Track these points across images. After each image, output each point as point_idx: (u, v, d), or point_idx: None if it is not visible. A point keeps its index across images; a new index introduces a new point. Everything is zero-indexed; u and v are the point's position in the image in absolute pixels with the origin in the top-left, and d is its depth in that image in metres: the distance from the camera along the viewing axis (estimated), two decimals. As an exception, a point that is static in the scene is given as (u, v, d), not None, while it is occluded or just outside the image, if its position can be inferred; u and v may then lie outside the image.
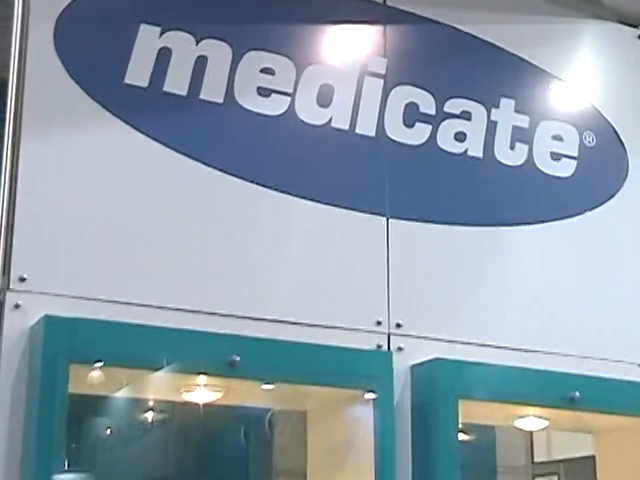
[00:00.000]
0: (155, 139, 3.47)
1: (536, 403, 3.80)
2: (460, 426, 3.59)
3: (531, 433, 7.03)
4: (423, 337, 3.73)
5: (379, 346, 3.64)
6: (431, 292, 3.84)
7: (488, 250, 4.03)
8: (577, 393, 3.69)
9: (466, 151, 4.02)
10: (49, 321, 3.04)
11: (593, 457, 4.43)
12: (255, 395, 3.62)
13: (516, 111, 4.18)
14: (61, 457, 3.03)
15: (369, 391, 3.45)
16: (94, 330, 3.10)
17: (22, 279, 3.15)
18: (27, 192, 3.22)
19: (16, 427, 3.06)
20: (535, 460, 7.36)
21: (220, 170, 3.54)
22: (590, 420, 4.06)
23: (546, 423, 4.00)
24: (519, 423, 4.01)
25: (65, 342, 3.03)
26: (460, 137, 4.03)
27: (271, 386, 3.53)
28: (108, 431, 7.26)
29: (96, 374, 3.22)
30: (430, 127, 3.98)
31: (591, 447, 4.48)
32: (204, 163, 3.52)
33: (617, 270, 4.28)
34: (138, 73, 3.49)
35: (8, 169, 3.23)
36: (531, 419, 3.95)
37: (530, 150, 4.15)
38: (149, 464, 7.34)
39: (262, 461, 5.75)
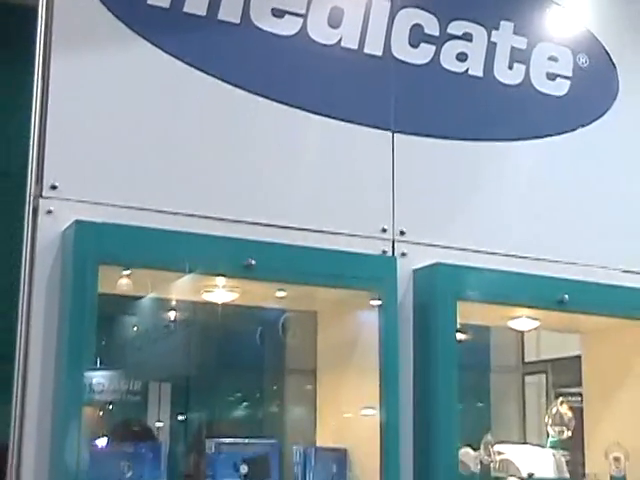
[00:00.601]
0: (177, 57, 3.45)
1: (528, 305, 3.82)
2: (458, 326, 3.60)
3: (522, 334, 7.08)
4: (425, 244, 3.74)
5: (384, 251, 3.65)
6: (433, 202, 3.84)
7: (486, 163, 4.02)
8: (566, 296, 3.71)
9: (467, 70, 3.99)
10: (79, 226, 3.05)
11: (579, 357, 4.46)
12: (269, 296, 3.63)
13: (515, 33, 4.13)
14: (91, 353, 3.04)
15: (374, 293, 3.46)
16: (121, 234, 3.11)
17: (54, 187, 3.16)
18: (57, 106, 3.21)
19: (50, 328, 3.10)
20: (525, 360, 7.41)
21: (237, 86, 3.53)
22: (577, 321, 4.08)
23: (537, 323, 4.02)
24: (512, 323, 4.03)
25: (94, 245, 3.05)
26: (462, 57, 3.99)
27: (283, 293, 3.58)
28: (134, 330, 7.31)
29: (123, 275, 3.24)
30: (434, 47, 3.94)
31: (577, 347, 4.49)
32: (222, 80, 3.50)
33: (605, 182, 4.28)
34: (159, -6, 3.46)
35: (40, 84, 3.22)
36: (523, 320, 3.97)
37: (527, 70, 4.12)
38: (172, 360, 7.40)
39: (275, 360, 5.80)
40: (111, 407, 5.80)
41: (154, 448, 3.17)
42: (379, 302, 3.47)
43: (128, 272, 3.22)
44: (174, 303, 4.24)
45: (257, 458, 3.20)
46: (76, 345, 3.00)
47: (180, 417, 5.03)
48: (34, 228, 3.18)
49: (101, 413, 4.81)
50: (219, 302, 3.47)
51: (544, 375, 7.03)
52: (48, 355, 3.10)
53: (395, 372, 3.48)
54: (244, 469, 3.17)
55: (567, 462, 3.96)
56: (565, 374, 4.94)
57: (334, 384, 3.74)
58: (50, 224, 3.16)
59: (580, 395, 4.39)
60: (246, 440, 3.26)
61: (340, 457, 3.44)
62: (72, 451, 2.93)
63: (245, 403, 6.08)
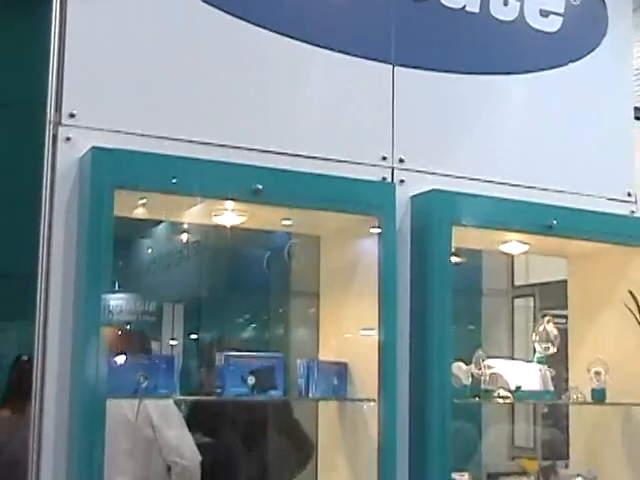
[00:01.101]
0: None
1: (519, 229, 3.82)
2: (452, 250, 3.60)
3: (512, 259, 7.10)
4: (422, 171, 3.72)
5: (384, 178, 3.64)
6: (430, 132, 3.82)
7: (482, 96, 3.99)
8: (554, 221, 3.72)
9: (464, 7, 3.94)
10: (96, 152, 3.05)
11: (565, 281, 4.47)
12: (275, 220, 3.63)
13: (509, -29, 4.10)
14: (108, 275, 3.04)
15: (375, 218, 3.46)
16: (136, 160, 3.10)
17: (72, 115, 3.15)
18: (76, 35, 3.19)
19: (70, 250, 3.12)
20: (515, 284, 7.43)
21: (246, 21, 3.50)
22: (564, 246, 4.09)
23: (526, 247, 4.02)
24: (503, 247, 4.03)
25: (110, 171, 3.04)
26: (459, -7, 3.97)
27: (289, 222, 3.61)
28: (149, 252, 7.36)
29: (138, 200, 3.24)
30: (433, -16, 3.90)
31: (563, 272, 4.50)
32: (233, 14, 3.47)
33: (592, 116, 4.26)
34: None
35: (58, 13, 3.19)
36: (514, 244, 3.97)
37: (521, 7, 4.06)
38: (185, 282, 7.46)
39: (281, 283, 5.82)
40: (129, 327, 5.87)
41: (168, 360, 3.18)
42: (378, 228, 3.46)
43: (143, 196, 3.20)
44: (186, 227, 4.23)
45: (263, 370, 3.22)
46: (94, 266, 3.02)
47: (192, 335, 5.06)
48: (54, 155, 3.18)
49: (119, 332, 4.86)
50: (228, 225, 3.45)
51: (532, 298, 7.06)
52: (68, 276, 3.11)
53: (393, 293, 3.48)
54: (251, 380, 3.19)
55: (552, 377, 3.98)
56: (552, 297, 4.96)
57: (336, 306, 3.74)
58: (69, 151, 3.16)
59: (565, 317, 4.39)
60: (253, 354, 3.27)
61: (341, 370, 3.46)
62: (91, 366, 2.97)
63: (252, 323, 6.14)
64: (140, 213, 3.44)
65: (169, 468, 4.65)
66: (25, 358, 5.60)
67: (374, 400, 3.39)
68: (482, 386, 3.70)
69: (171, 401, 4.63)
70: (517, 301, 7.33)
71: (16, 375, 5.61)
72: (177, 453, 4.51)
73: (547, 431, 6.89)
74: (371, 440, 3.42)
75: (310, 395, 3.36)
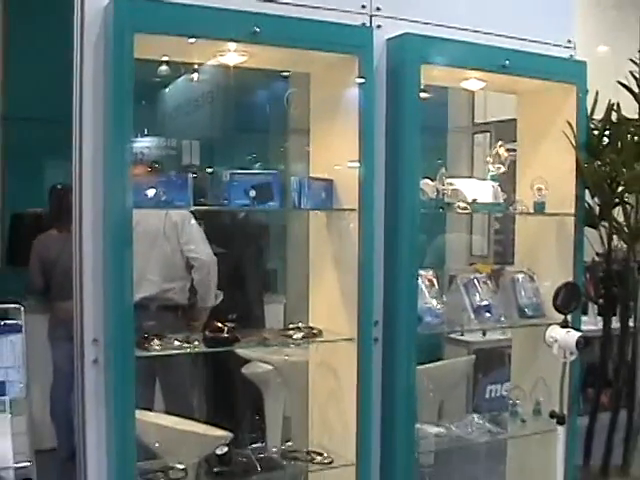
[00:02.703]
0: None
1: (477, 68, 3.74)
2: (422, 87, 3.54)
3: (473, 99, 7.04)
4: (396, 18, 3.60)
5: (363, 24, 3.53)
6: (403, -16, 3.70)
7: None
8: (507, 61, 3.66)
9: None
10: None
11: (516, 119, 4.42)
12: (272, 59, 3.55)
13: None
14: (131, 111, 2.97)
15: (355, 57, 3.38)
16: (152, 7, 3.00)
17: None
18: None
19: (98, 95, 3.07)
20: (475, 121, 7.41)
21: None
22: (515, 83, 4.01)
23: (483, 84, 3.95)
24: (464, 84, 3.95)
25: (129, 16, 2.96)
26: None
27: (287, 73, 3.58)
28: (170, 97, 7.31)
29: (155, 42, 3.15)
30: None
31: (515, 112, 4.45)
32: None
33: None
34: None
35: None
36: (473, 81, 3.89)
37: None
38: (200, 122, 7.42)
39: (279, 122, 5.78)
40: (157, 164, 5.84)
41: (182, 178, 3.15)
42: (358, 66, 3.38)
43: (159, 39, 3.11)
44: (196, 66, 4.17)
45: (263, 185, 3.20)
46: (119, 114, 2.98)
47: (207, 169, 5.02)
48: (82, 4, 3.08)
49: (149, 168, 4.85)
50: (232, 64, 3.38)
51: (489, 134, 7.06)
52: (98, 117, 3.07)
53: (371, 127, 3.43)
54: (252, 193, 3.17)
55: (502, 192, 3.98)
56: (506, 133, 4.92)
57: (324, 140, 3.67)
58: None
59: (515, 150, 4.36)
60: (254, 171, 3.25)
61: (328, 186, 3.44)
62: (119, 183, 2.98)
63: (255, 153, 6.13)
64: (157, 55, 3.40)
65: (190, 268, 4.77)
66: (59, 186, 5.63)
67: (354, 210, 3.40)
68: (445, 199, 3.68)
69: (192, 217, 4.74)
70: (476, 137, 7.34)
71: (54, 201, 5.65)
72: (196, 251, 4.67)
73: (499, 242, 7.00)
74: (353, 245, 3.43)
75: (302, 206, 3.35)
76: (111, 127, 2.99)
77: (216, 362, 5.07)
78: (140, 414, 3.23)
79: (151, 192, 3.10)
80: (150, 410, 3.76)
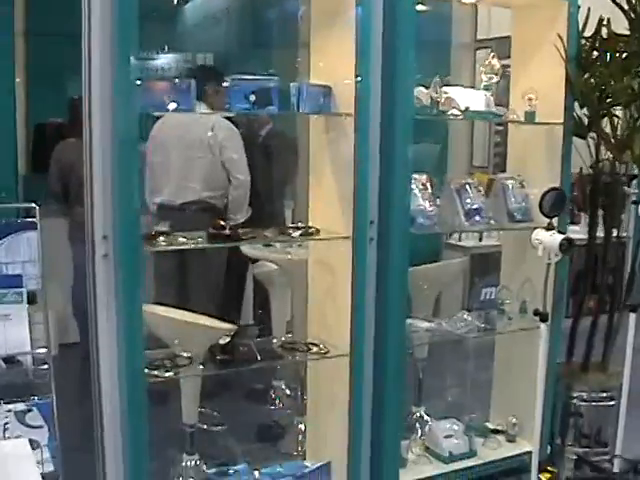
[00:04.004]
0: None
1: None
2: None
3: (476, 13, 6.92)
4: None
5: None
6: None
7: None
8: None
9: None
10: None
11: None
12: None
13: None
14: (136, 24, 2.93)
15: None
16: None
17: None
18: None
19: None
20: (477, 37, 7.30)
21: None
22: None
23: (480, -4, 3.88)
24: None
25: None
26: None
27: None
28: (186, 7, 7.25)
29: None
30: None
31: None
32: None
33: None
34: None
35: None
36: (472, -7, 3.83)
37: None
38: (214, 37, 7.35)
39: (289, 37, 5.70)
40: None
41: (186, 83, 3.13)
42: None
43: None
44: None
45: (262, 90, 3.18)
46: (126, 17, 2.91)
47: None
48: None
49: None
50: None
51: (490, 49, 6.95)
52: (106, 29, 3.00)
53: (368, 36, 3.37)
54: (252, 98, 3.15)
55: (495, 102, 3.94)
56: (506, 49, 4.82)
57: (324, 51, 3.61)
58: None
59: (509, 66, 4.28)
60: (254, 77, 3.22)
61: (326, 92, 3.41)
62: (128, 89, 2.95)
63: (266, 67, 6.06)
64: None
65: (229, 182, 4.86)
66: (75, 97, 5.61)
67: (351, 114, 3.38)
68: (439, 107, 3.65)
69: (237, 131, 4.82)
70: (478, 52, 7.24)
71: (73, 111, 5.63)
72: (237, 170, 4.77)
73: (498, 154, 6.96)
74: (349, 148, 3.43)
75: (300, 110, 3.33)
76: (118, 34, 2.96)
77: (228, 262, 5.14)
78: (150, 308, 3.30)
79: (156, 96, 3.08)
80: (167, 305, 3.82)
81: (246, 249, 4.48)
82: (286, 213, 6.06)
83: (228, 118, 5.01)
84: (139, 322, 3.07)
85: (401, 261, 3.57)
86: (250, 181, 5.04)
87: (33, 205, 3.33)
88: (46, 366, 3.10)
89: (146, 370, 3.16)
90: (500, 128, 6.73)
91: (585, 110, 4.01)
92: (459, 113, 3.68)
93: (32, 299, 3.25)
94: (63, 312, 5.75)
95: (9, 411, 3.09)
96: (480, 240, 6.47)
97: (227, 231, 3.28)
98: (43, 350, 3.11)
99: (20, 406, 3.12)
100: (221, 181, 5.01)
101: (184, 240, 3.30)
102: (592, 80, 3.94)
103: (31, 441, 2.54)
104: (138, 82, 2.97)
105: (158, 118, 5.00)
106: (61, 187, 5.51)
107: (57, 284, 5.29)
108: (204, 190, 4.97)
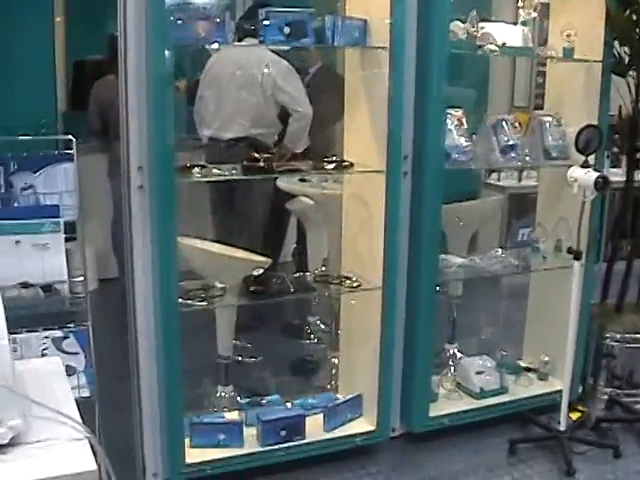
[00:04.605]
0: None
1: None
2: None
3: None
4: None
5: None
6: None
7: None
8: None
9: None
10: None
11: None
12: None
13: None
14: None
15: None
16: None
17: None
18: None
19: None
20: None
21: None
22: None
23: None
24: None
25: None
26: None
27: None
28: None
29: None
30: None
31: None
32: None
33: None
34: None
35: None
36: None
37: None
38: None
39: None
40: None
41: (222, 16, 3.13)
42: None
43: None
44: None
45: (297, 22, 3.17)
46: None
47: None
48: None
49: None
50: None
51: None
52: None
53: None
54: (287, 30, 3.15)
55: (533, 38, 3.89)
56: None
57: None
58: None
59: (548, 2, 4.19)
60: (289, 9, 3.20)
61: (361, 25, 3.39)
62: (161, 26, 2.97)
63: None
64: None
65: (286, 117, 4.87)
66: (114, 34, 5.61)
67: (386, 48, 3.37)
68: (476, 42, 3.61)
69: (292, 68, 4.82)
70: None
71: (111, 47, 5.62)
72: (298, 103, 4.77)
73: (540, 95, 6.85)
74: (384, 82, 3.41)
75: (335, 44, 3.31)
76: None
77: (265, 197, 5.17)
78: (186, 240, 3.35)
79: (191, 31, 3.09)
80: (207, 239, 3.88)
81: (282, 184, 4.51)
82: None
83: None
84: (173, 251, 3.12)
85: (434, 196, 3.57)
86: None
87: (70, 137, 3.38)
88: (83, 295, 3.17)
89: (180, 300, 3.22)
90: (543, 69, 6.63)
91: (626, 48, 3.94)
92: (496, 48, 3.63)
93: (69, 230, 3.32)
94: (103, 248, 5.84)
95: (47, 337, 3.18)
96: (519, 181, 6.43)
97: (261, 163, 3.30)
98: (80, 279, 3.18)
99: (57, 333, 3.20)
100: (271, 118, 5.03)
101: (218, 172, 3.33)
102: (633, 16, 3.86)
103: (68, 367, 2.62)
104: (173, 17, 2.98)
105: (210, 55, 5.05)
106: (100, 124, 5.58)
107: (97, 221, 5.37)
108: (253, 127, 4.99)
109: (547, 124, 4.01)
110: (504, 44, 3.65)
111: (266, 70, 4.86)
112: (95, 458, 1.57)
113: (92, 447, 1.60)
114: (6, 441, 1.59)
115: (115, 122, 5.28)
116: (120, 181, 5.11)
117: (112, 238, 5.73)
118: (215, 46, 3.49)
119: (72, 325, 3.20)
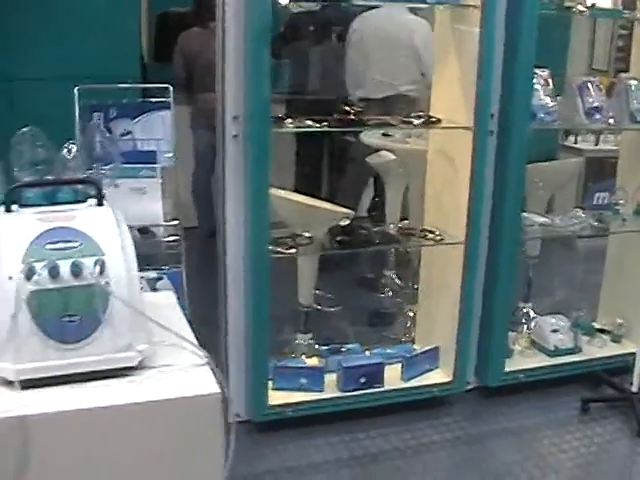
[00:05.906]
0: None
1: None
2: None
3: None
4: None
5: None
6: None
7: None
8: None
9: None
10: None
11: None
12: None
13: None
14: None
15: None
16: None
17: None
18: None
19: None
20: None
21: None
22: None
23: None
24: None
25: None
26: None
27: None
28: None
29: None
30: None
31: None
32: None
33: None
34: None
35: None
36: None
37: None
38: None
39: None
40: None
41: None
42: None
43: None
44: None
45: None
46: None
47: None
48: None
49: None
50: None
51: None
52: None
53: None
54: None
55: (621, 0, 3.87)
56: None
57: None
58: None
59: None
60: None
61: (454, -17, 3.42)
62: None
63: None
64: None
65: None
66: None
67: (477, 7, 3.41)
68: (565, 3, 3.62)
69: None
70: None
71: (197, 0, 5.73)
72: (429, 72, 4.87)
73: (620, 59, 6.74)
74: (474, 41, 3.45)
75: (429, 0, 3.36)
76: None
77: (344, 151, 5.25)
78: (275, 191, 3.45)
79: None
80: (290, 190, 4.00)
81: (366, 138, 4.58)
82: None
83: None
84: (266, 199, 3.23)
85: (520, 155, 3.62)
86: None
87: (167, 86, 3.50)
88: (178, 237, 3.31)
89: (269, 247, 3.33)
90: (624, 32, 6.54)
91: None
92: (585, 9, 3.64)
93: (163, 175, 3.45)
94: (183, 199, 5.97)
95: (142, 278, 3.32)
96: (596, 144, 6.39)
97: (352, 116, 3.37)
98: (175, 222, 3.31)
99: (152, 274, 3.35)
100: (417, 75, 5.17)
101: (310, 123, 3.41)
102: None
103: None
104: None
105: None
106: (185, 75, 5.68)
107: (179, 171, 5.50)
108: (402, 85, 5.15)
109: (633, 87, 3.99)
110: (594, 5, 3.65)
111: (412, 35, 4.99)
112: (216, 383, 1.69)
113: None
114: (135, 364, 1.72)
115: (200, 74, 5.45)
116: (203, 132, 5.26)
117: (192, 187, 5.87)
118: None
119: (166, 267, 3.34)
